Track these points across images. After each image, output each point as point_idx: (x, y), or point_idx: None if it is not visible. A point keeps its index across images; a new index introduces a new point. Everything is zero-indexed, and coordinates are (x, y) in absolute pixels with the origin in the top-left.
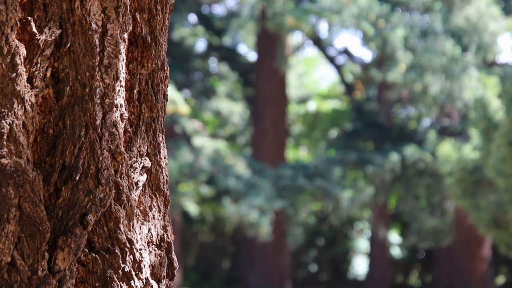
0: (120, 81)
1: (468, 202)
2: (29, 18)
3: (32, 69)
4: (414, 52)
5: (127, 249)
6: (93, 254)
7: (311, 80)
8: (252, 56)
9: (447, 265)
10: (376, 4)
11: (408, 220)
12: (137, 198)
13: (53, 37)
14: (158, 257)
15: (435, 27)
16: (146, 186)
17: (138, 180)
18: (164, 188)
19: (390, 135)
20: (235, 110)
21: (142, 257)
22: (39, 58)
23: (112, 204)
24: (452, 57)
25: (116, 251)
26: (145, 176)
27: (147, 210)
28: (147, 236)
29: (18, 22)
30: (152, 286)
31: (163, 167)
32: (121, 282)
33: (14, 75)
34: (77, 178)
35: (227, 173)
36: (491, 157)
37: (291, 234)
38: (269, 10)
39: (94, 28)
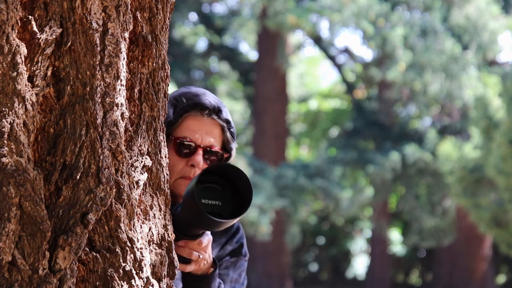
0: (121, 80)
1: (468, 201)
2: (30, 17)
3: (32, 68)
4: (414, 51)
5: (127, 248)
6: (94, 253)
7: (312, 79)
8: (252, 55)
9: (448, 264)
10: (376, 3)
11: (408, 219)
12: (137, 197)
13: (53, 36)
14: (159, 256)
15: (435, 25)
16: (147, 185)
17: (139, 179)
18: (164, 187)
19: (391, 134)
20: (236, 109)
21: (142, 256)
22: (40, 57)
23: (113, 203)
24: (452, 55)
25: (117, 250)
26: (145, 175)
27: (148, 209)
28: (147, 235)
29: (19, 21)
30: (152, 285)
31: (163, 166)
32: (121, 281)
33: (15, 74)
34: (78, 177)
35: None
36: (491, 155)
37: (288, 232)
38: (270, 9)
39: (94, 27)
